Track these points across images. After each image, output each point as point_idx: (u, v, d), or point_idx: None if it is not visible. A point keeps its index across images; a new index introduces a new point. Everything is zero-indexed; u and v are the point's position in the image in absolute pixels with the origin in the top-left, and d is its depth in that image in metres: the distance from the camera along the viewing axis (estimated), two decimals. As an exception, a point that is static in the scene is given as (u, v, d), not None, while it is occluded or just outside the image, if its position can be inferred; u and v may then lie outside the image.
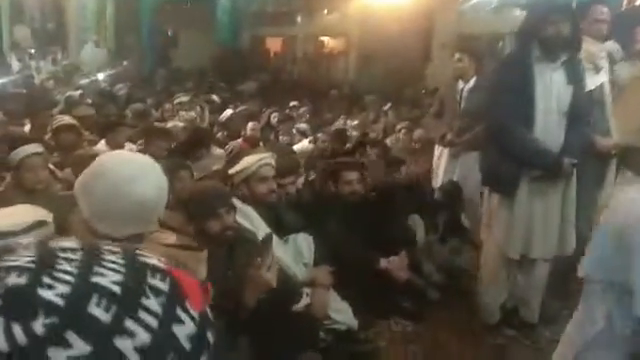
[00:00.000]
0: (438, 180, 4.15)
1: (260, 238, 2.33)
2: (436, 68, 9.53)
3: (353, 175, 3.14)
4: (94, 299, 0.46)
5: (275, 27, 12.82)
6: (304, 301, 2.50)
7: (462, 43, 4.95)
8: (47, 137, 3.91)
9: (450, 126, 4.12)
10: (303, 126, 6.14)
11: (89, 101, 6.48)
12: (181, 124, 5.17)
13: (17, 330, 0.44)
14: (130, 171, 1.30)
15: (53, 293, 0.45)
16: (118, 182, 1.28)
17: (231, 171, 2.71)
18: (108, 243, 0.54)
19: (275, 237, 2.50)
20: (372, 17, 10.61)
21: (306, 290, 2.56)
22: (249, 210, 2.56)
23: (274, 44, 13.55)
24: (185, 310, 0.51)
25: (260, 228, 2.51)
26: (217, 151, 4.40)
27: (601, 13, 3.60)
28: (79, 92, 7.03)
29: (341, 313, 2.61)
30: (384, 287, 2.86)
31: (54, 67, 9.69)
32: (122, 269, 0.50)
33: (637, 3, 7.45)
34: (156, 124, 5.12)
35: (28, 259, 0.48)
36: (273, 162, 2.73)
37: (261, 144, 4.93)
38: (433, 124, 4.48)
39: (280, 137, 5.83)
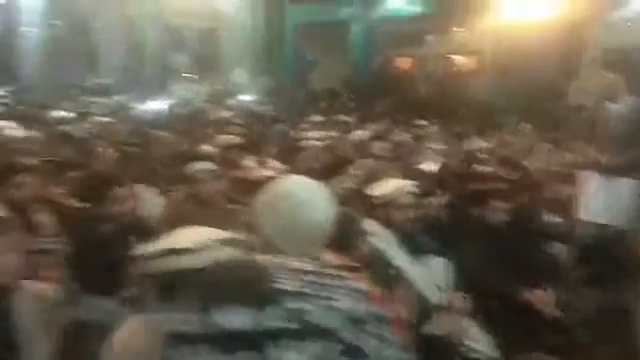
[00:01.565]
0: (585, 209, 3.83)
1: (397, 263, 2.39)
2: (581, 85, 8.81)
3: (497, 202, 3.05)
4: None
5: (405, 47, 12.91)
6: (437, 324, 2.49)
7: (611, 58, 4.56)
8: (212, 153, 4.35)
9: (601, 149, 3.82)
10: (432, 146, 6.08)
11: (239, 122, 7.15)
12: (319, 143, 5.44)
13: None
14: (312, 195, 1.45)
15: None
16: (302, 205, 1.42)
17: (371, 193, 2.80)
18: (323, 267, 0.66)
19: (409, 259, 2.54)
20: (508, 33, 10.20)
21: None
22: (388, 235, 2.62)
23: (404, 64, 13.64)
24: (391, 334, 0.60)
25: (398, 254, 2.56)
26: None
27: None
28: (230, 113, 7.79)
29: (480, 342, 2.55)
30: (527, 320, 2.73)
31: (209, 90, 10.86)
32: (350, 294, 0.61)
33: None
34: (297, 144, 5.46)
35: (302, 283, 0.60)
36: (414, 190, 2.77)
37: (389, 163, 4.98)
38: (580, 147, 4.17)
39: (409, 157, 5.84)
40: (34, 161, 3.17)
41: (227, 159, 3.99)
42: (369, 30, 12.90)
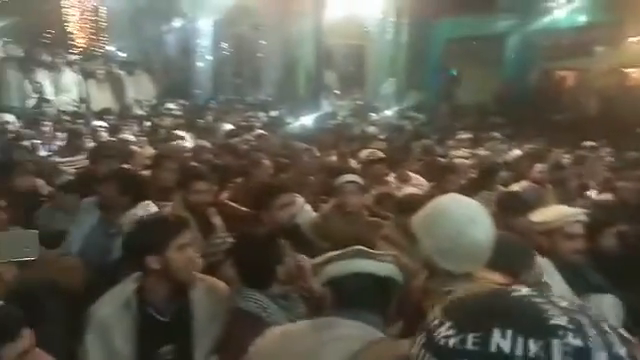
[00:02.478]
0: None
1: (556, 292, 2.18)
2: None
3: None
4: None
5: (569, 60, 11.82)
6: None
7: None
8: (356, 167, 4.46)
9: None
10: (602, 171, 5.44)
11: (381, 136, 7.23)
12: (468, 161, 5.25)
13: None
14: (470, 213, 1.44)
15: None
16: (462, 223, 1.41)
17: (535, 219, 2.60)
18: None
19: (575, 297, 2.30)
20: None
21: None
22: (546, 264, 2.42)
23: (566, 78, 12.49)
24: None
25: (558, 286, 2.34)
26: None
27: None
28: (373, 127, 7.92)
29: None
30: None
31: (353, 105, 11.22)
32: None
33: None
34: (441, 160, 5.34)
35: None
36: (583, 218, 2.51)
37: (549, 187, 4.58)
38: None
39: (573, 182, 5.29)
40: (205, 169, 3.54)
41: (371, 173, 4.05)
42: (526, 42, 12.10)
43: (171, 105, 9.22)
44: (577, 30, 11.37)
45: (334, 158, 5.36)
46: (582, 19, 11.27)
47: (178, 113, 8.71)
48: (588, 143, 6.79)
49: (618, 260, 2.83)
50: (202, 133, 6.50)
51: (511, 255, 2.09)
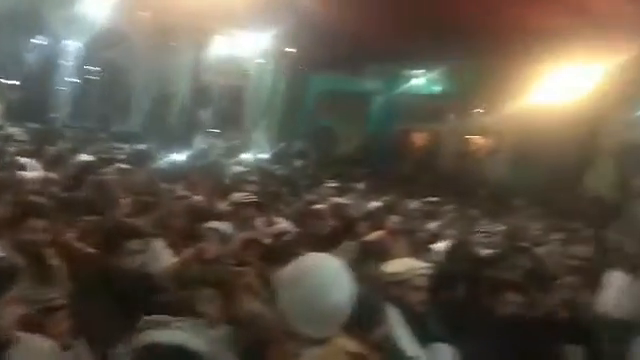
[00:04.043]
0: (607, 305, 3.69)
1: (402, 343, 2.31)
2: (599, 176, 8.85)
3: (515, 297, 2.97)
4: None
5: (424, 123, 13.22)
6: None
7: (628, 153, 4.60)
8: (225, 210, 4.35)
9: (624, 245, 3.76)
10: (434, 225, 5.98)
11: (253, 179, 7.23)
12: (333, 210, 5.45)
13: None
14: (333, 276, 1.42)
15: None
16: (323, 286, 1.39)
17: (384, 270, 2.75)
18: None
19: (417, 344, 2.46)
20: (527, 118, 10.41)
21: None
22: (395, 314, 2.56)
23: (421, 139, 13.91)
24: None
25: (403, 334, 2.48)
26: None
27: None
28: (245, 169, 7.90)
29: None
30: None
31: (227, 145, 11.12)
32: None
33: None
34: (312, 206, 5.47)
35: None
36: (428, 271, 2.73)
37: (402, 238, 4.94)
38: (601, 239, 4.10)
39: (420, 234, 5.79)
40: (49, 203, 3.11)
41: (241, 217, 3.99)
42: (390, 103, 13.32)
43: (14, 129, 8.14)
44: (432, 98, 12.86)
45: (202, 199, 5.20)
46: (437, 89, 12.79)
47: (21, 138, 7.63)
48: (434, 199, 7.53)
49: (457, 312, 3.11)
50: (50, 163, 5.78)
51: (363, 313, 2.15)
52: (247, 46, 11.72)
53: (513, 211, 7.76)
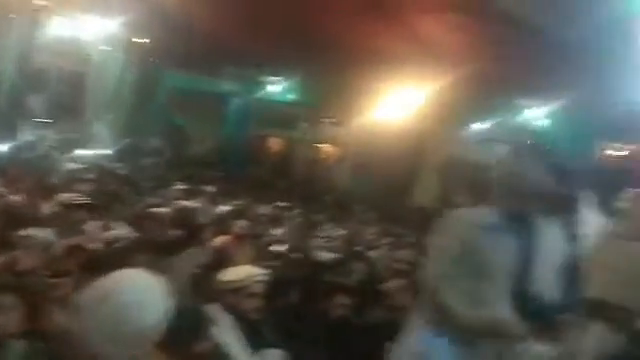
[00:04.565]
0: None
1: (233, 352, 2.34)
2: (424, 187, 9.99)
3: (345, 299, 3.16)
4: None
5: (279, 129, 13.53)
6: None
7: (451, 168, 5.26)
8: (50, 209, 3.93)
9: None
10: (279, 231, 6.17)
11: (89, 177, 6.64)
12: (178, 214, 5.26)
13: None
14: (140, 293, 1.37)
15: None
16: (128, 307, 1.33)
17: (222, 278, 2.75)
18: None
19: (249, 351, 2.51)
20: (371, 131, 11.30)
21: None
22: (229, 322, 2.58)
23: (276, 144, 14.20)
24: None
25: (235, 343, 2.51)
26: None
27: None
28: (81, 166, 7.20)
29: None
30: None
31: (62, 137, 9.97)
32: None
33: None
34: (152, 209, 5.21)
35: None
36: (265, 278, 2.79)
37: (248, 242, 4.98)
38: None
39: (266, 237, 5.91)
40: None
41: (68, 221, 3.65)
42: (246, 107, 13.33)
43: None
44: (288, 105, 13.23)
45: (21, 198, 4.61)
46: (292, 97, 13.18)
47: None
48: (284, 204, 7.76)
49: (295, 315, 3.23)
50: None
51: (184, 327, 2.09)
52: (90, 30, 10.64)
53: (353, 216, 8.34)
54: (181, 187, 7.31)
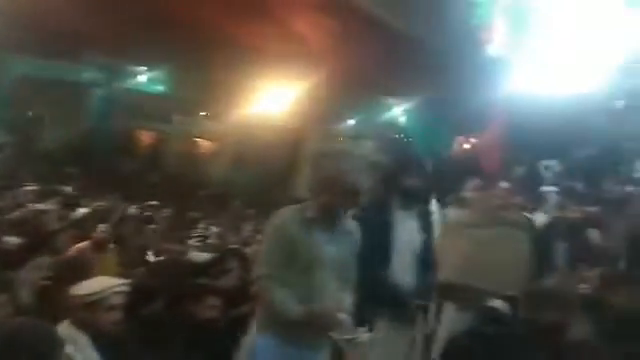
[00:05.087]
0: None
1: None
2: (302, 181, 10.17)
3: (215, 301, 3.08)
4: None
5: (150, 123, 12.77)
6: None
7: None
8: None
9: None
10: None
11: None
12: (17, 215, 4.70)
13: None
14: None
15: None
16: None
17: (75, 292, 2.49)
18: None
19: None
20: (244, 124, 11.21)
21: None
22: (83, 340, 2.36)
23: (147, 139, 13.38)
24: None
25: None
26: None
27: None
28: None
29: None
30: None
31: None
32: None
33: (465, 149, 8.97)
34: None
35: None
36: (125, 288, 2.59)
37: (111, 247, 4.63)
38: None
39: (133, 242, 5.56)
40: None
41: None
42: (110, 98, 12.33)
43: None
44: (158, 97, 12.51)
45: None
46: (162, 89, 12.49)
47: None
48: (154, 202, 7.36)
49: (161, 323, 3.06)
50: None
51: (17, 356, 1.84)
52: None
53: (230, 213, 8.21)
54: (31, 188, 6.54)
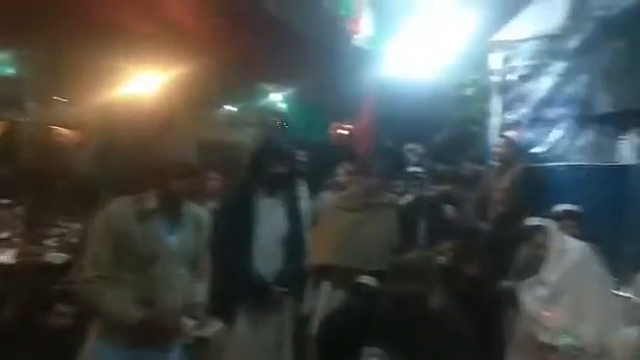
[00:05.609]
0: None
1: None
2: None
3: (66, 308, 2.85)
4: None
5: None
6: None
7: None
8: None
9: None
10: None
11: None
12: None
13: None
14: None
15: None
16: None
17: None
18: None
19: None
20: (110, 111, 10.39)
21: None
22: None
23: (-3, 128, 11.75)
24: None
25: None
26: None
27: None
28: None
29: None
30: None
31: None
32: None
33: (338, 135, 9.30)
34: None
35: None
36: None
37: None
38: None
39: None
40: None
41: None
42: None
43: None
44: (8, 81, 11.01)
45: None
46: (12, 71, 11.02)
47: None
48: (4, 200, 6.57)
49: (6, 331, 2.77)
50: None
51: None
52: None
53: (97, 207, 7.58)
54: None
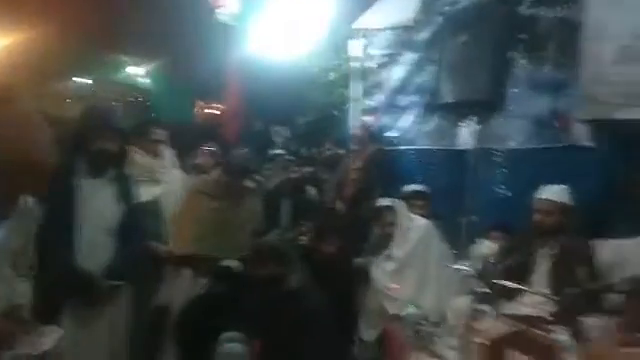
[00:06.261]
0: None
1: None
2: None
3: None
4: None
5: None
6: None
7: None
8: None
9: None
10: None
11: None
12: None
13: None
14: None
15: None
16: None
17: None
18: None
19: None
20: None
21: None
22: None
23: None
24: None
25: None
26: None
27: (161, 135, 4.16)
28: None
29: None
30: None
31: None
32: None
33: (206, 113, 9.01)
34: None
35: None
36: None
37: None
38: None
39: None
40: None
41: None
42: None
43: None
44: None
45: None
46: None
47: None
48: None
49: None
50: None
51: None
52: None
53: None
54: None
